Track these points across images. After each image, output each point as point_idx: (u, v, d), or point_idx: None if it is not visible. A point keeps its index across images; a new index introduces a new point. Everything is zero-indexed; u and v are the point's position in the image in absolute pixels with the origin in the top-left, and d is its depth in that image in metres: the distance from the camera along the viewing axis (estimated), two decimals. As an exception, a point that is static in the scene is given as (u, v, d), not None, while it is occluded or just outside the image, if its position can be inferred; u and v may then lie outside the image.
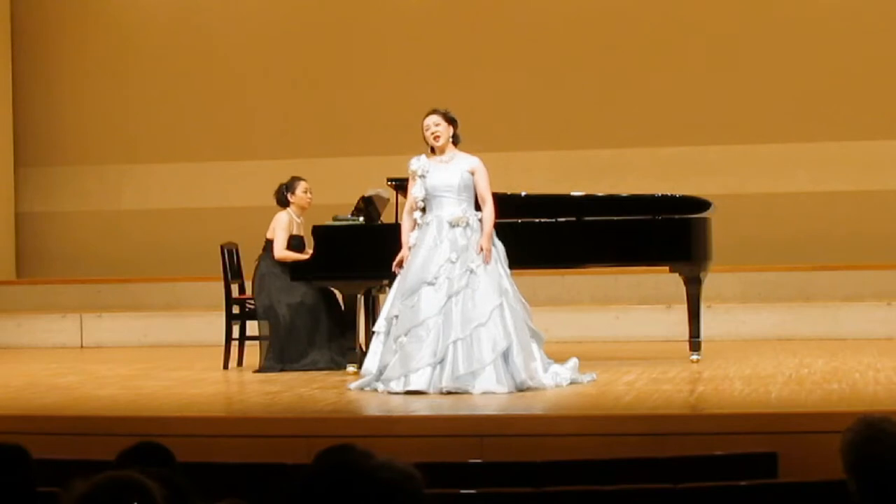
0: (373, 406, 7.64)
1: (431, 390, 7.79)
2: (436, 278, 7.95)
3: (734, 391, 7.66)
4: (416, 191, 8.22)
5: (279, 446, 6.59)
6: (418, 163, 8.24)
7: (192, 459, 4.87)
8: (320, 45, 13.30)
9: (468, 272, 7.95)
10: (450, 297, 7.90)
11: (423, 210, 8.22)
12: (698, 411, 7.03)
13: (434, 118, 8.27)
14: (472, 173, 8.19)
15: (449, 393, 7.74)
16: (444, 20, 13.12)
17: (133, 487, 2.86)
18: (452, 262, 7.98)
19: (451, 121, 8.28)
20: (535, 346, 8.07)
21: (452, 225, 8.09)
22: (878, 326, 10.99)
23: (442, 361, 7.82)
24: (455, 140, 8.30)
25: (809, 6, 12.56)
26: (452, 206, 8.14)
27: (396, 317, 8.02)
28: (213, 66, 13.48)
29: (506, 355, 7.87)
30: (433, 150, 8.28)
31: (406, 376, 7.86)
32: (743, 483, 5.12)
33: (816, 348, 10.08)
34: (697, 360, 9.11)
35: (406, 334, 7.92)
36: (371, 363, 8.10)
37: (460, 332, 7.83)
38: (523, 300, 8.14)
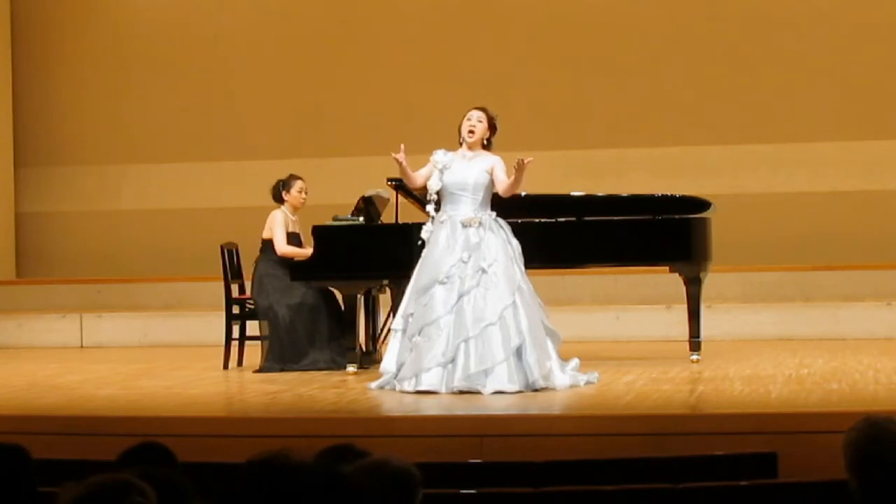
0: (373, 406, 7.63)
1: (444, 390, 7.76)
2: (448, 277, 7.94)
3: (734, 391, 7.65)
4: (432, 182, 8.23)
5: (279, 446, 6.56)
6: (440, 156, 8.24)
7: (192, 459, 4.86)
8: (319, 46, 13.30)
9: (480, 271, 7.94)
10: (461, 297, 7.89)
11: (437, 204, 8.23)
12: (698, 411, 7.03)
13: (478, 113, 8.29)
14: (490, 171, 8.18)
15: (461, 392, 7.72)
16: (442, 20, 13.11)
17: (126, 489, 2.85)
18: (464, 262, 7.97)
19: (492, 125, 8.30)
20: (550, 345, 8.04)
21: (465, 225, 8.09)
22: (878, 326, 10.98)
23: (453, 360, 7.80)
24: (487, 146, 8.30)
25: (810, 6, 12.55)
26: (466, 206, 8.15)
27: (412, 315, 8.01)
28: (212, 67, 13.47)
29: (519, 353, 7.85)
30: (460, 145, 8.28)
31: (417, 376, 7.84)
32: (743, 483, 5.11)
33: (816, 348, 10.07)
34: (697, 360, 9.10)
35: (420, 333, 7.92)
36: (389, 362, 8.08)
37: (471, 330, 7.82)
38: (539, 299, 8.13)
